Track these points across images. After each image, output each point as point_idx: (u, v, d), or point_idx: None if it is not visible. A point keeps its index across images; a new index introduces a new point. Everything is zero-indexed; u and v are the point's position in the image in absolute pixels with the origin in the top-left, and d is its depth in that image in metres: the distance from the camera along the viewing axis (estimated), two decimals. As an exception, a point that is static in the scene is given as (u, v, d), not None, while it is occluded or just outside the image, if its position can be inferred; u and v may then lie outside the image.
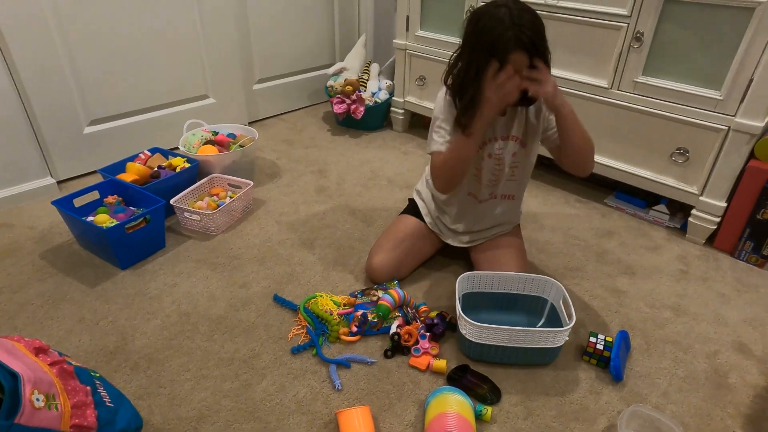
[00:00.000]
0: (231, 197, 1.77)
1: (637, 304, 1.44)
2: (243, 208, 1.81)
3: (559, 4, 1.74)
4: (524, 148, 1.35)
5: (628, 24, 1.61)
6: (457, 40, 2.05)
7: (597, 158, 1.85)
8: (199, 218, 1.67)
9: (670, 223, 1.79)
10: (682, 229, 1.77)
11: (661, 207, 1.80)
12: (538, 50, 1.12)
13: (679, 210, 1.82)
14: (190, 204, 1.73)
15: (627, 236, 1.76)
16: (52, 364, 0.64)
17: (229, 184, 1.84)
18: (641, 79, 1.66)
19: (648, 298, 1.47)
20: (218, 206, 1.71)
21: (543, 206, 1.93)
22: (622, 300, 1.46)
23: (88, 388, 0.69)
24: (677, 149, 1.66)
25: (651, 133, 1.70)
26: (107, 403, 0.70)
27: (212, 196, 1.80)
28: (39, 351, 0.66)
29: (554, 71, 1.82)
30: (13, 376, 0.58)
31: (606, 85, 1.74)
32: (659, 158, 1.71)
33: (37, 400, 0.57)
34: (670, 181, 1.71)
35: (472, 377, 1.18)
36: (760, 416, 1.13)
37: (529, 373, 1.21)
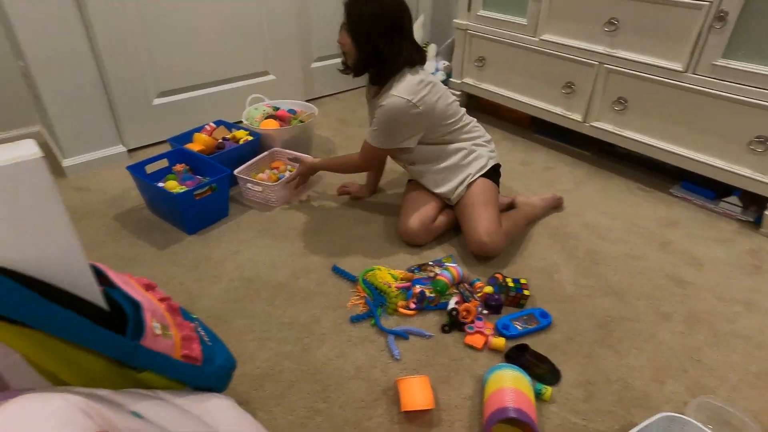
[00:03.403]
0: (290, 171, 1.81)
1: (704, 296, 1.39)
2: (304, 185, 1.84)
3: (634, -18, 1.67)
4: None
5: (711, 2, 1.53)
6: (522, 20, 2.01)
7: (663, 145, 1.79)
8: (260, 189, 1.72)
9: (743, 215, 1.71)
10: (756, 223, 1.68)
11: (733, 199, 1.71)
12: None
13: (753, 202, 1.73)
14: (252, 175, 1.79)
15: (694, 227, 1.68)
16: (160, 300, 0.69)
17: (289, 159, 1.88)
18: (720, 62, 1.57)
19: (716, 290, 1.41)
20: (278, 179, 1.75)
21: (602, 192, 1.87)
22: (687, 291, 1.41)
23: (193, 324, 0.73)
24: (756, 137, 1.57)
25: (727, 120, 1.61)
26: (207, 342, 0.75)
27: (273, 169, 1.84)
28: (148, 287, 0.71)
29: (624, 53, 1.77)
30: (135, 304, 0.63)
31: (680, 69, 1.66)
32: (735, 147, 1.62)
33: (156, 327, 0.61)
34: (746, 172, 1.62)
35: (531, 357, 1.17)
36: (839, 418, 1.07)
37: (588, 356, 1.19)
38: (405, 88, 1.40)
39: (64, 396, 0.43)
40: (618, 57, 1.80)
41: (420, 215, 1.53)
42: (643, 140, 1.84)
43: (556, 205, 1.75)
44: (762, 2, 1.45)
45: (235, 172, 1.72)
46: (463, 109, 1.58)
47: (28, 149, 0.55)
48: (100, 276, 0.66)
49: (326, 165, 1.68)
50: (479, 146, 1.58)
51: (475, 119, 1.63)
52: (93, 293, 0.60)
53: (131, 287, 0.66)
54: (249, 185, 1.73)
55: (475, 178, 1.54)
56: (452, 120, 1.51)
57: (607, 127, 1.93)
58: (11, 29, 1.64)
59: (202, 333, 0.77)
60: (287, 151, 1.88)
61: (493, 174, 1.58)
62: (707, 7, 1.54)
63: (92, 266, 0.62)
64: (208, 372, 0.70)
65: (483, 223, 1.45)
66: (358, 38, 1.40)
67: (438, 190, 1.57)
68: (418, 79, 1.42)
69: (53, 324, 0.53)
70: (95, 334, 0.56)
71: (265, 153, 1.86)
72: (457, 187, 1.54)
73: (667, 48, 1.68)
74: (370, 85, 1.56)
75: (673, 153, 1.77)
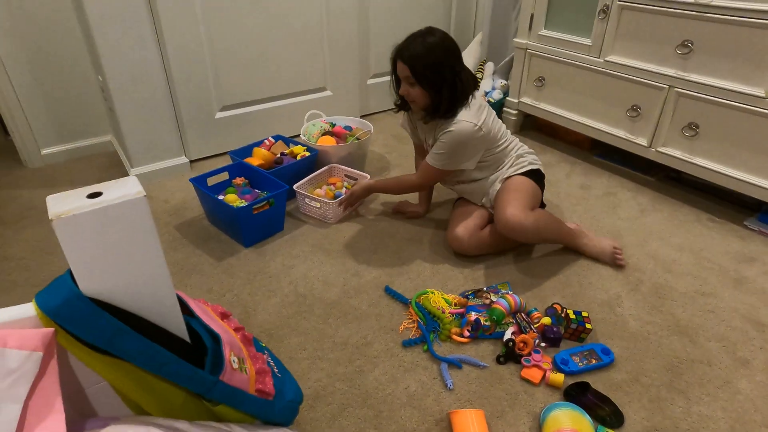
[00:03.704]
0: (347, 188, 1.83)
1: (786, 342, 1.28)
2: (357, 203, 1.84)
3: (713, 3, 1.59)
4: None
5: (801, 26, 1.43)
6: (586, 41, 1.96)
7: (739, 174, 1.68)
8: (318, 205, 1.73)
9: (829, 254, 1.57)
10: None
11: (819, 235, 1.58)
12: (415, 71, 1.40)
13: (841, 241, 1.59)
14: (310, 191, 1.81)
15: (772, 264, 1.56)
16: (235, 330, 0.70)
17: (346, 175, 1.89)
18: (809, 88, 1.46)
19: (801, 336, 1.30)
20: (335, 196, 1.77)
21: (669, 222, 1.77)
22: (767, 336, 1.30)
23: (265, 356, 0.74)
24: None
25: (815, 151, 1.50)
26: (277, 374, 0.75)
27: (330, 185, 1.86)
28: (224, 316, 0.72)
29: (697, 77, 1.68)
30: (215, 338, 0.64)
31: (763, 95, 1.56)
32: (823, 180, 1.50)
33: (234, 361, 0.62)
34: (835, 207, 1.49)
35: (593, 396, 1.11)
36: None
37: (654, 401, 1.12)
38: (470, 114, 1.44)
39: (149, 429, 0.43)
40: (691, 81, 1.71)
41: (466, 224, 1.55)
42: (716, 168, 1.73)
43: (610, 259, 1.55)
44: None
45: (294, 186, 1.75)
46: (508, 131, 1.61)
47: (132, 187, 0.57)
48: (182, 305, 0.68)
49: (382, 186, 1.69)
50: (521, 156, 1.60)
51: (518, 140, 1.66)
52: (178, 326, 0.62)
53: (209, 316, 0.67)
54: (307, 200, 1.76)
55: (510, 174, 1.55)
56: (503, 140, 1.56)
57: (675, 153, 1.84)
58: (94, 47, 1.75)
59: (273, 364, 0.77)
60: (345, 168, 1.90)
61: (533, 176, 1.57)
62: (795, 30, 1.44)
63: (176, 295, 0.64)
64: (279, 406, 0.70)
65: (511, 203, 1.44)
66: (432, 86, 1.41)
67: (484, 200, 1.61)
68: (478, 104, 1.48)
69: (141, 357, 0.54)
70: (179, 368, 0.57)
71: (324, 169, 1.88)
72: (494, 184, 1.57)
73: (748, 72, 1.58)
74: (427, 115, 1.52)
75: (750, 183, 1.66)
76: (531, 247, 1.63)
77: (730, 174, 1.70)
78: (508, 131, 1.61)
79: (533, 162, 1.60)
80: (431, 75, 1.39)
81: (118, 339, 0.53)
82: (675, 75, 1.75)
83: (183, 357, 0.58)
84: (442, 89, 1.41)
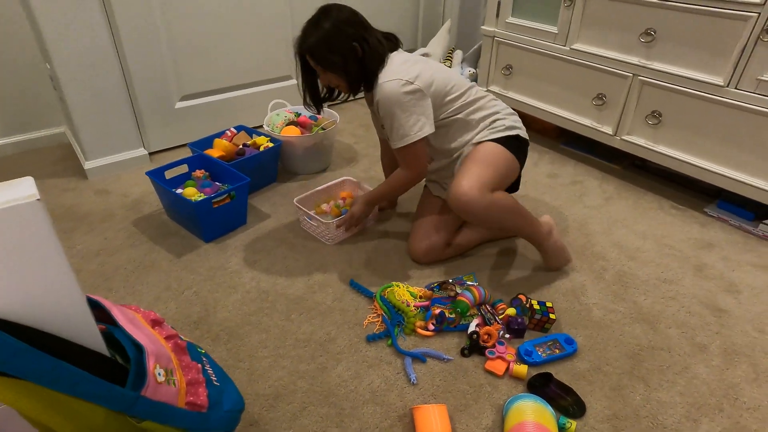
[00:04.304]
0: None
1: (743, 327, 1.30)
2: (364, 222, 1.63)
3: (674, -9, 1.59)
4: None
5: (759, 14, 1.44)
6: (553, 29, 1.94)
7: (700, 162, 1.70)
8: (316, 225, 1.57)
9: (784, 239, 1.61)
10: (798, 248, 1.58)
11: (775, 221, 1.62)
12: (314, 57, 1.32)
13: (796, 226, 1.63)
14: (315, 204, 1.66)
15: (731, 250, 1.60)
16: (167, 338, 0.66)
17: (360, 190, 1.73)
18: (767, 77, 1.48)
19: (757, 321, 1.32)
20: (341, 213, 1.59)
21: (633, 210, 1.79)
22: (724, 320, 1.33)
23: (199, 365, 0.70)
24: (803, 158, 1.47)
25: (771, 139, 1.52)
26: (214, 382, 0.71)
27: (340, 199, 1.71)
28: (155, 323, 0.68)
29: (660, 65, 1.69)
30: (138, 348, 0.60)
31: (721, 83, 1.57)
32: (779, 167, 1.53)
33: (159, 374, 0.58)
34: (790, 194, 1.53)
35: (556, 387, 1.11)
36: None
37: (616, 389, 1.13)
38: (390, 72, 1.31)
39: (55, 454, 0.40)
40: (654, 69, 1.72)
41: (430, 240, 1.45)
42: (678, 156, 1.76)
43: (556, 267, 1.48)
44: (814, 15, 1.36)
45: (295, 200, 1.58)
46: (472, 84, 1.42)
47: (25, 190, 0.51)
48: (104, 313, 0.63)
49: (378, 195, 1.51)
50: (497, 118, 1.40)
51: (493, 95, 1.47)
52: (92, 338, 0.57)
53: (136, 325, 0.63)
54: (306, 217, 1.59)
55: (481, 139, 1.37)
56: (461, 94, 1.37)
57: (639, 141, 1.85)
58: (39, 33, 1.65)
59: (210, 372, 0.73)
60: (359, 181, 1.73)
61: (511, 143, 1.38)
62: (755, 18, 1.45)
63: (96, 302, 0.59)
64: (214, 418, 0.67)
65: (467, 176, 1.28)
66: (339, 66, 1.32)
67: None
68: (402, 59, 1.35)
69: (47, 377, 0.50)
70: (93, 387, 0.53)
71: (336, 181, 1.72)
72: (463, 147, 1.39)
73: (708, 61, 1.59)
74: (366, 92, 1.42)
75: (710, 171, 1.68)
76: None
77: (692, 162, 1.72)
78: (475, 86, 1.42)
79: (513, 126, 1.40)
80: (334, 56, 1.30)
81: (18, 359, 0.48)
82: (639, 63, 1.76)
83: (100, 372, 0.54)
84: (348, 64, 1.31)
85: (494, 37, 2.21)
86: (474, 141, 1.38)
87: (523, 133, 1.43)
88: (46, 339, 0.53)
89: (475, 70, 2.42)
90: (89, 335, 0.57)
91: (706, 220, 1.75)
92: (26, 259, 0.52)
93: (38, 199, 0.51)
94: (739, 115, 1.57)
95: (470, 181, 1.27)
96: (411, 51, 1.43)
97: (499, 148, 1.36)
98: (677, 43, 1.65)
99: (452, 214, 1.46)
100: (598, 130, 1.96)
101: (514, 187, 1.50)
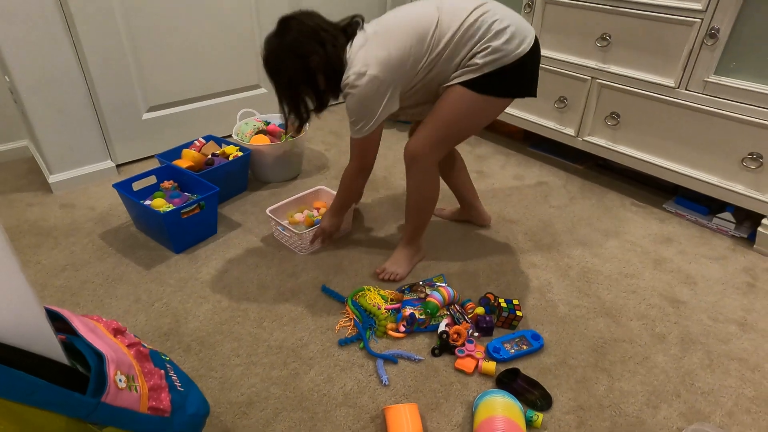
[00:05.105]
0: None
1: (698, 317, 1.37)
2: (341, 230, 1.63)
3: (626, -2, 1.67)
4: None
5: (702, 20, 1.52)
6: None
7: (656, 160, 1.78)
8: (289, 236, 1.57)
9: (736, 232, 1.69)
10: (750, 239, 1.67)
11: (727, 215, 1.70)
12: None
13: (747, 218, 1.72)
14: (289, 215, 1.65)
15: (687, 244, 1.67)
16: (129, 346, 0.66)
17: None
18: (713, 78, 1.56)
19: (711, 310, 1.39)
20: (314, 223, 1.59)
21: (596, 208, 1.86)
22: (681, 311, 1.39)
23: (162, 371, 0.70)
24: (749, 154, 1.56)
25: (720, 137, 1.60)
26: (178, 387, 0.72)
27: (314, 209, 1.71)
28: (117, 332, 0.68)
29: (616, 68, 1.76)
30: (99, 356, 0.60)
31: (672, 85, 1.65)
32: (728, 163, 1.61)
33: (120, 380, 0.59)
34: (739, 188, 1.61)
35: (523, 382, 1.15)
36: (836, 445, 1.05)
37: (581, 381, 1.17)
38: (350, 69, 1.22)
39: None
40: (610, 72, 1.80)
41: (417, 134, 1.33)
42: (636, 155, 1.83)
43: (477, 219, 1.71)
44: (753, 20, 1.45)
45: (268, 210, 1.58)
46: (435, 26, 1.21)
47: None
48: (64, 323, 0.63)
49: (339, 202, 1.49)
50: (479, 50, 1.20)
51: (477, 11, 1.20)
52: (51, 347, 0.57)
53: (97, 334, 0.63)
54: (279, 227, 1.58)
55: (454, 81, 1.24)
56: (417, 59, 1.22)
57: (600, 141, 1.92)
58: (-3, 45, 1.62)
59: (174, 378, 0.74)
60: (333, 191, 1.62)
61: (485, 84, 1.22)
62: (698, 23, 1.53)
63: (56, 313, 0.59)
64: (178, 422, 0.68)
65: (421, 131, 1.29)
66: (308, 86, 1.28)
67: None
68: (357, 46, 1.23)
69: (1, 387, 0.50)
70: (49, 394, 0.53)
71: (310, 190, 1.72)
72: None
73: (659, 64, 1.67)
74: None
75: (667, 168, 1.76)
76: (469, 238, 1.66)
77: (649, 160, 1.80)
78: (444, 23, 1.20)
79: (490, 61, 1.19)
80: (300, 78, 1.26)
81: None
82: (596, 67, 1.83)
83: (58, 381, 0.54)
84: (316, 81, 1.26)
85: (459, 43, 2.26)
86: (447, 84, 1.26)
87: (511, 59, 1.20)
88: (1, 350, 0.53)
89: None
90: (48, 345, 0.57)
91: (665, 216, 1.82)
92: (-22, 271, 0.52)
93: None
94: (690, 115, 1.65)
95: (417, 137, 1.30)
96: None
97: (463, 95, 1.24)
98: (631, 47, 1.72)
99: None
100: (561, 132, 2.03)
101: (528, 91, 1.31)
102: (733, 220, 1.70)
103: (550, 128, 2.06)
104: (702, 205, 1.78)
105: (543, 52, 1.98)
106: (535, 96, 1.32)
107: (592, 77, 1.86)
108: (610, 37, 1.76)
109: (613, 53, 1.78)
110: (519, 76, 1.26)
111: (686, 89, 1.63)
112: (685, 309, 1.39)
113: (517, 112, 2.16)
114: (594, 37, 1.80)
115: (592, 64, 1.84)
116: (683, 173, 1.72)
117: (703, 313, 1.38)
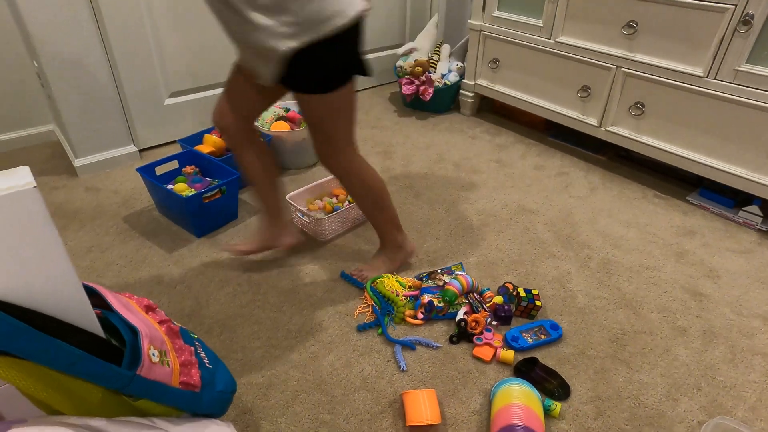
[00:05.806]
0: (350, 202, 1.66)
1: (721, 310, 1.35)
2: (357, 218, 1.65)
3: (655, -16, 1.62)
4: None
5: (736, 5, 1.48)
6: (538, 22, 1.97)
7: (682, 151, 1.74)
8: (308, 221, 1.58)
9: (763, 225, 1.65)
10: (777, 234, 1.63)
11: (754, 208, 1.66)
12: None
13: (774, 212, 1.68)
14: (307, 201, 1.67)
15: (711, 237, 1.64)
16: (160, 323, 0.68)
17: None
18: (744, 67, 1.52)
19: (735, 304, 1.37)
20: (333, 210, 1.61)
21: (618, 199, 1.83)
22: (704, 304, 1.37)
23: (192, 348, 0.72)
24: (779, 146, 1.52)
25: (750, 127, 1.56)
26: (207, 365, 0.74)
27: (332, 197, 1.72)
28: (149, 309, 0.70)
29: (642, 57, 1.72)
30: (133, 331, 0.62)
31: (701, 74, 1.61)
32: (757, 155, 1.57)
33: (153, 354, 0.61)
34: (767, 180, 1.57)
35: (541, 371, 1.15)
36: None
37: (599, 372, 1.17)
38: None
39: (56, 429, 0.42)
40: (636, 61, 1.76)
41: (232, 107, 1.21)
42: (660, 146, 1.79)
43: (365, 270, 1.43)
44: (789, 6, 1.40)
45: (288, 197, 1.56)
46: None
47: (22, 178, 0.54)
48: (99, 299, 0.65)
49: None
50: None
51: None
52: (89, 320, 0.59)
53: (130, 310, 0.65)
54: (298, 214, 1.60)
55: (290, 46, 0.96)
56: None
57: (623, 132, 1.89)
58: (25, 30, 1.65)
59: (203, 355, 0.76)
60: None
61: (327, 50, 0.99)
62: (732, 10, 1.49)
63: (91, 289, 0.61)
64: (207, 398, 0.69)
65: (316, 137, 1.17)
66: None
67: (269, 75, 1.05)
68: None
69: (44, 356, 0.52)
70: (90, 365, 0.55)
71: (329, 177, 1.72)
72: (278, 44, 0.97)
73: (688, 52, 1.63)
74: None
75: (692, 160, 1.72)
76: (487, 227, 1.66)
77: (674, 151, 1.76)
78: None
79: (341, 11, 0.94)
80: None
81: (17, 339, 0.50)
82: (621, 55, 1.79)
83: (97, 353, 0.56)
84: None
85: (481, 31, 2.24)
86: (282, 47, 0.96)
87: (356, 13, 0.96)
88: (45, 320, 0.55)
89: (462, 64, 2.45)
90: (86, 318, 0.59)
91: (688, 208, 1.79)
92: (24, 244, 0.54)
93: (35, 187, 0.54)
94: (719, 105, 1.61)
95: (317, 146, 1.18)
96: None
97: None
98: (658, 35, 1.68)
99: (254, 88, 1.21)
100: (584, 122, 1.99)
101: (359, 69, 1.10)
102: (760, 213, 1.66)
103: (572, 118, 2.03)
104: (727, 197, 1.74)
105: (568, 40, 1.94)
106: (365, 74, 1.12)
107: (617, 66, 1.82)
108: (636, 25, 1.72)
109: (639, 41, 1.74)
110: (351, 48, 1.06)
111: (716, 78, 1.59)
112: (707, 302, 1.37)
113: (538, 100, 2.14)
114: (620, 24, 1.76)
115: (617, 52, 1.80)
116: (709, 165, 1.68)
117: (726, 307, 1.36)
